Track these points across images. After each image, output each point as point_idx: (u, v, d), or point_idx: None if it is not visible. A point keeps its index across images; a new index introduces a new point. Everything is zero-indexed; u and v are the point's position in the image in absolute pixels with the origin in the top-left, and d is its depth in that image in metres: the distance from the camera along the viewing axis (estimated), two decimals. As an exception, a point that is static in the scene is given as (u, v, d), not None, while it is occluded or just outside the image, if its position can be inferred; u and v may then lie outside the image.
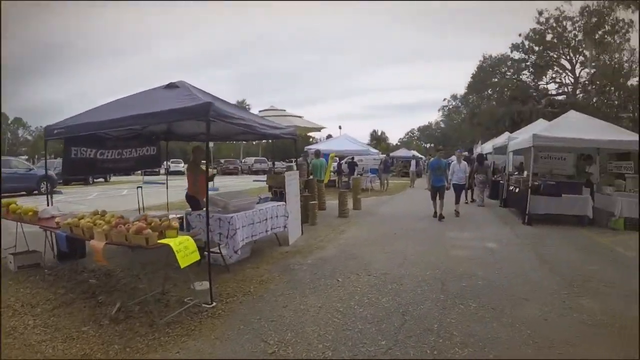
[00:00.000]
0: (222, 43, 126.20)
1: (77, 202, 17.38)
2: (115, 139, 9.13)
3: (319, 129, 17.06)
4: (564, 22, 32.54)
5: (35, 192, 20.07)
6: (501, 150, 17.52)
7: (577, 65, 33.39)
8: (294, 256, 7.88)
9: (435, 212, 12.62)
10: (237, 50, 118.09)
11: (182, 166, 40.99)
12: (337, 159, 24.78)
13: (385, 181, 24.67)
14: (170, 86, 6.96)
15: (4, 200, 7.31)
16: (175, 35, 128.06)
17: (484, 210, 15.48)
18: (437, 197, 12.53)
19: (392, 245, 8.98)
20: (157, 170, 32.02)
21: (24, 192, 19.46)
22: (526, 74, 35.63)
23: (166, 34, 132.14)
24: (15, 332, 4.50)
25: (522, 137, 14.27)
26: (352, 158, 25.27)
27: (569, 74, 33.90)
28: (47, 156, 9.41)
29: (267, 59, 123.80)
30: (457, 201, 13.57)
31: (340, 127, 48.54)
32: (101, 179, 31.76)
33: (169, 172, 20.89)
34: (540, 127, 15.22)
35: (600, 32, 30.65)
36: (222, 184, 24.13)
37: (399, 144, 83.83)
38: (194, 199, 8.20)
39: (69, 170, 8.96)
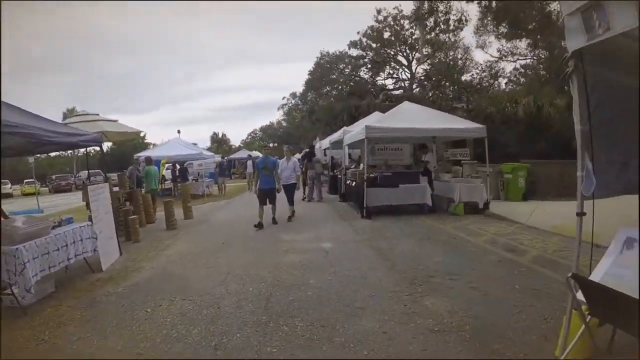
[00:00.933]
0: (51, 46, 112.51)
1: None
2: None
3: (136, 134, 15.21)
4: (402, 21, 34.25)
5: None
6: (338, 144, 17.30)
7: (414, 62, 35.35)
8: (105, 285, 6.62)
9: (259, 223, 10.76)
10: (70, 54, 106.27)
11: (9, 187, 36.98)
12: (177, 165, 23.68)
13: (223, 185, 23.49)
14: None
15: None
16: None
17: (323, 206, 15.03)
18: (267, 201, 11.13)
19: (217, 258, 7.81)
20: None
21: None
22: (364, 71, 36.80)
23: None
24: None
25: (356, 129, 14.04)
26: (184, 163, 24.09)
27: (406, 70, 35.82)
28: None
29: (105, 63, 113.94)
30: (290, 203, 12.07)
31: (179, 132, 46.32)
32: None
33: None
34: (374, 118, 15.26)
35: (436, 31, 32.81)
36: (51, 204, 21.82)
37: (241, 145, 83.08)
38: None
39: None
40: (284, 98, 55.88)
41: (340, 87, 36.96)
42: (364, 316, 4.63)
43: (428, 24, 29.11)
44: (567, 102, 16.77)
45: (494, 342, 3.93)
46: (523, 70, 27.64)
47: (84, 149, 9.70)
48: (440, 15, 27.75)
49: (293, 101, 54.14)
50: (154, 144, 38.21)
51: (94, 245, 7.32)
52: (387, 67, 35.95)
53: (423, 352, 3.78)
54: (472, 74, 31.27)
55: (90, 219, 7.58)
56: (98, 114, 12.90)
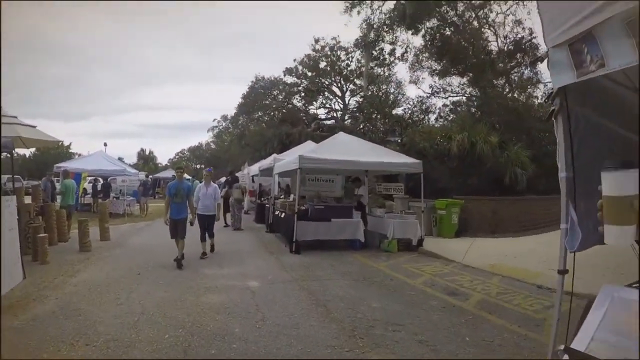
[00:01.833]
0: None
1: None
2: None
3: (56, 143, 14.00)
4: (338, 52, 34.42)
5: None
6: (268, 172, 16.58)
7: (347, 93, 35.58)
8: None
9: (179, 257, 8.99)
10: (3, 54, 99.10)
11: None
12: (100, 179, 22.68)
13: (145, 205, 22.11)
14: None
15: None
16: None
17: (248, 236, 14.19)
18: (179, 235, 9.29)
19: (130, 293, 6.77)
20: None
21: None
22: (297, 98, 36.48)
23: None
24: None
25: (289, 158, 13.44)
26: (107, 178, 22.96)
27: (339, 100, 35.82)
28: None
29: (38, 67, 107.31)
30: (203, 238, 10.18)
31: (105, 145, 43.61)
32: None
33: None
34: (308, 148, 14.69)
35: (371, 64, 33.22)
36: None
37: (168, 164, 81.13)
38: None
39: None
40: (214, 120, 54.76)
41: (272, 113, 36.40)
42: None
43: (374, 52, 29.09)
44: (499, 140, 17.07)
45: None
46: (453, 107, 28.24)
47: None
48: (384, 44, 27.89)
49: (224, 124, 53.14)
50: (79, 154, 35.84)
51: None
52: (321, 96, 35.87)
53: None
54: (404, 108, 31.74)
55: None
56: (16, 117, 11.64)
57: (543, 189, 18.60)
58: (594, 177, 3.12)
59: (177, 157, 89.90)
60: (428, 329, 5.33)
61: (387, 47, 27.95)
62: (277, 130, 30.21)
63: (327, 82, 35.35)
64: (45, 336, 4.86)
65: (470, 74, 23.97)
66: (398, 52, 27.78)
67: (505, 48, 24.62)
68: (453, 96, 28.96)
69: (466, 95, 27.96)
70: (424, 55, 26.54)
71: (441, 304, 6.53)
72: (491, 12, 23.99)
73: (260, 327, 5.30)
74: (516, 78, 25.67)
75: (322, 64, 34.71)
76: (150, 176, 28.92)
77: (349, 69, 34.28)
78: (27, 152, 61.95)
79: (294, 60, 35.34)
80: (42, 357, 3.80)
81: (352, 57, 33.91)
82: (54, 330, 5.02)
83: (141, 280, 7.59)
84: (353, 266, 9.39)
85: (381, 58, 30.31)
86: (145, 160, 78.54)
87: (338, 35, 34.16)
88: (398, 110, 31.26)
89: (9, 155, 8.03)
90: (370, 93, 33.08)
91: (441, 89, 29.27)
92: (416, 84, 30.29)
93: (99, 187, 22.17)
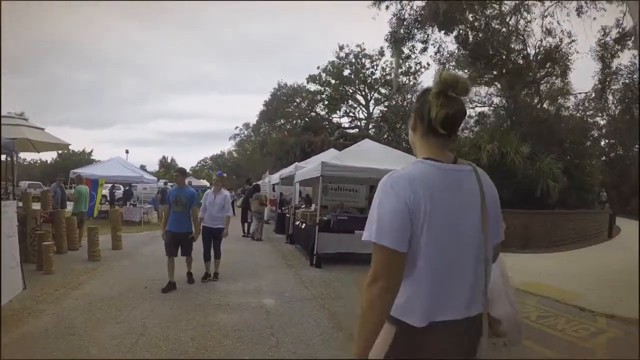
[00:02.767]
0: (10, 47, 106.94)
1: None
2: None
3: (65, 146, 13.64)
4: (363, 59, 33.89)
5: None
6: (288, 180, 16.03)
7: (372, 102, 35.08)
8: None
9: (169, 283, 7.42)
10: (30, 58, 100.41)
11: None
12: (121, 186, 21.43)
13: (163, 213, 21.44)
14: None
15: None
16: None
17: (266, 247, 13.58)
18: (179, 251, 7.84)
19: (132, 309, 6.21)
20: None
21: None
22: (321, 107, 36.07)
23: None
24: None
25: (310, 166, 12.78)
26: (128, 185, 22.84)
27: (363, 109, 35.30)
28: None
29: (64, 72, 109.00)
30: (207, 256, 8.45)
31: (127, 152, 43.57)
32: None
33: None
34: (331, 155, 13.98)
35: (411, 59, 32.14)
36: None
37: (190, 172, 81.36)
38: None
39: None
40: (236, 128, 54.64)
41: (295, 121, 36.09)
42: None
43: (404, 50, 28.44)
44: (531, 151, 16.29)
45: None
46: (478, 118, 27.55)
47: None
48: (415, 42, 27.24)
49: (246, 132, 53.01)
50: (99, 161, 36.05)
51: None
52: (345, 104, 35.41)
53: None
54: (430, 119, 30.91)
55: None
56: (27, 119, 11.36)
57: (573, 203, 17.78)
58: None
59: (199, 165, 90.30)
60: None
61: (419, 46, 27.16)
62: (299, 138, 29.87)
63: (351, 90, 34.92)
64: (32, 357, 4.43)
65: (502, 80, 23.10)
66: (430, 51, 26.97)
67: (534, 58, 23.86)
68: (480, 106, 28.26)
69: (493, 105, 27.18)
70: (456, 56, 25.78)
71: (477, 330, 5.86)
72: (521, 18, 23.27)
73: (273, 354, 4.71)
74: (545, 88, 24.90)
75: (346, 72, 34.30)
76: (170, 184, 28.48)
77: (373, 77, 33.84)
78: (49, 157, 62.74)
79: (318, 67, 34.97)
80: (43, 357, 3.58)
81: (377, 65, 33.49)
82: (42, 350, 4.56)
83: (147, 294, 7.03)
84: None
85: (413, 57, 29.37)
86: (167, 168, 78.79)
87: (363, 43, 33.82)
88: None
89: (9, 157, 7.64)
90: (395, 102, 32.61)
91: (467, 99, 28.19)
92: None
93: (117, 194, 21.87)
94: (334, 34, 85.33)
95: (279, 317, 6.05)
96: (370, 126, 33.48)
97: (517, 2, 21.25)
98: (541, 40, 22.63)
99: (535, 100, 23.64)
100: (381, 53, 32.91)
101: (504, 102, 24.61)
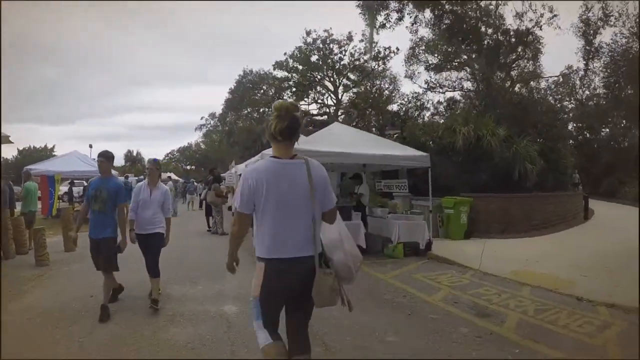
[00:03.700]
0: None
1: None
2: None
3: (6, 139, 12.34)
4: (331, 45, 32.93)
5: None
6: (254, 171, 14.96)
7: (340, 88, 34.14)
8: None
9: (103, 309, 5.45)
10: None
11: None
12: (84, 182, 20.57)
13: (125, 209, 20.08)
14: None
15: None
16: None
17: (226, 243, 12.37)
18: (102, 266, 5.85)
19: (73, 324, 5.19)
20: None
21: None
22: (288, 94, 34.99)
23: None
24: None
25: None
26: (88, 180, 20.61)
27: (332, 95, 34.40)
28: None
29: (25, 69, 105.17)
30: (154, 273, 6.09)
31: (90, 146, 40.77)
32: None
33: None
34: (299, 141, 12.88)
35: (364, 58, 32.05)
36: None
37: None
38: None
39: None
40: (202, 118, 52.91)
41: (262, 109, 34.94)
42: None
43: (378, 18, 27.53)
44: (507, 133, 15.72)
45: None
46: (447, 104, 27.10)
47: None
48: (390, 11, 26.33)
49: (212, 122, 51.52)
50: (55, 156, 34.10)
51: None
52: (313, 91, 34.46)
53: None
54: (399, 104, 30.57)
55: None
56: None
57: (549, 186, 17.35)
58: None
59: (166, 158, 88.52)
60: None
61: (394, 15, 26.26)
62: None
63: (319, 77, 33.98)
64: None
65: (479, 59, 22.54)
66: (406, 22, 26.11)
67: (507, 39, 23.50)
68: (450, 91, 27.84)
69: (464, 90, 26.78)
70: (426, 40, 25.20)
71: (474, 331, 5.04)
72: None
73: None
74: (515, 73, 24.62)
75: (314, 58, 33.29)
76: (135, 178, 26.98)
77: (341, 62, 32.93)
78: (9, 155, 60.32)
79: (285, 53, 33.81)
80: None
81: (345, 51, 32.57)
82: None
83: (92, 306, 5.83)
84: (357, 280, 7.77)
85: (388, 26, 28.54)
86: (133, 162, 76.77)
87: (330, 28, 32.79)
88: (393, 107, 30.28)
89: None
90: (363, 89, 31.93)
91: (437, 84, 28.01)
92: (411, 79, 29.12)
93: (75, 191, 20.52)
94: (302, 23, 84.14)
95: (242, 329, 5.02)
96: (340, 113, 32.64)
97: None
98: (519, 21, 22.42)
99: (508, 84, 23.27)
100: (349, 38, 32.11)
101: (476, 86, 24.20)
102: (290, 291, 2.93)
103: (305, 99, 34.59)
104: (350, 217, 9.84)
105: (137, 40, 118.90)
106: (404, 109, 28.42)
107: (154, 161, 6.41)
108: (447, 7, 21.77)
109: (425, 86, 28.44)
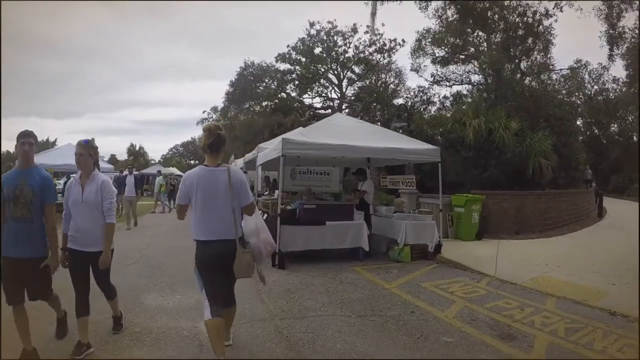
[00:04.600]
0: None
1: None
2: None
3: None
4: (335, 37, 31.89)
5: None
6: (252, 164, 13.95)
7: (345, 81, 33.17)
8: None
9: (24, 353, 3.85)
10: None
11: None
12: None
13: (121, 205, 18.88)
14: None
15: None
16: None
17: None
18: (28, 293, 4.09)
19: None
20: None
21: None
22: (291, 87, 34.06)
23: None
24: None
25: (272, 145, 10.38)
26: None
27: (336, 88, 33.46)
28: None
29: (31, 63, 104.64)
30: (109, 294, 4.64)
31: (92, 140, 40.88)
32: None
33: None
34: (296, 132, 11.67)
35: (370, 50, 31.03)
36: None
37: (161, 160, 79.30)
38: None
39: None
40: (204, 112, 52.12)
41: (264, 102, 33.99)
42: None
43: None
44: (520, 126, 14.79)
45: None
46: (453, 98, 26.23)
47: None
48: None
49: (214, 116, 50.67)
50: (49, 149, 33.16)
51: None
52: (316, 84, 33.51)
53: None
54: (404, 97, 29.86)
55: None
56: None
57: (562, 183, 16.45)
58: None
59: (170, 152, 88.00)
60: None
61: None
62: (267, 120, 28.12)
63: (323, 69, 33.01)
64: None
65: (481, 55, 21.72)
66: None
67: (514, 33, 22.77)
68: (457, 84, 27.13)
69: (472, 83, 26.14)
70: (445, 11, 24.38)
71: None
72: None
73: None
74: (525, 65, 23.80)
75: (318, 50, 32.28)
76: (136, 172, 25.96)
77: (346, 55, 31.91)
78: (12, 149, 59.81)
79: (287, 46, 32.63)
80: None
81: (350, 43, 31.54)
82: None
83: (42, 322, 4.67)
84: (356, 288, 6.81)
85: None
86: (135, 156, 76.23)
87: (335, 20, 31.83)
88: (398, 101, 29.50)
89: None
90: (368, 82, 31.13)
91: (444, 77, 27.43)
92: (417, 72, 28.50)
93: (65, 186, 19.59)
94: (305, 14, 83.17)
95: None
96: (344, 106, 31.74)
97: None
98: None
99: (518, 76, 22.40)
100: (354, 30, 31.10)
101: (484, 78, 23.35)
102: (216, 265, 3.74)
103: (309, 92, 33.71)
104: (351, 217, 9.00)
105: (142, 34, 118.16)
106: (410, 102, 27.69)
107: (85, 143, 4.32)
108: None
109: (432, 79, 27.85)
